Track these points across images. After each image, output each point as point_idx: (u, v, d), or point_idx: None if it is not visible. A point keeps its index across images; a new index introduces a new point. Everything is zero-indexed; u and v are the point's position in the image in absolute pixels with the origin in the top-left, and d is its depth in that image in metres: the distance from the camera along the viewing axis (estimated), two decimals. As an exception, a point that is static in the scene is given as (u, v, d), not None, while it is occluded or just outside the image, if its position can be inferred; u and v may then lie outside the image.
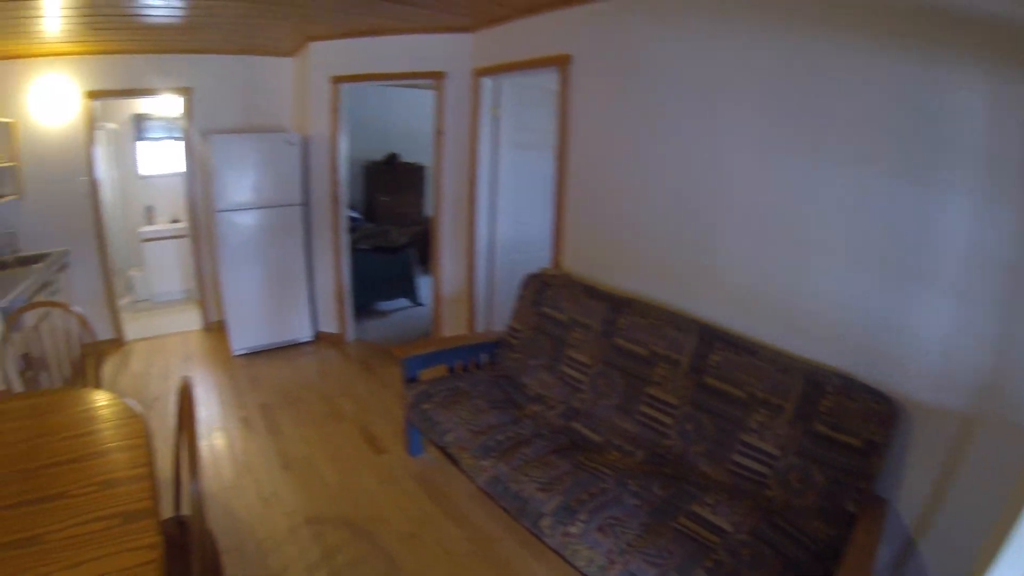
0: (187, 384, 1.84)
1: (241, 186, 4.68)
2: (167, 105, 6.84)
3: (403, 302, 6.37)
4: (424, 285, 6.14)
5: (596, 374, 2.71)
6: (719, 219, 2.61)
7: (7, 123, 4.68)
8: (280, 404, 4.16)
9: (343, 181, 4.90)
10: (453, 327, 4.82)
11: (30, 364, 3.11)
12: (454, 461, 2.80)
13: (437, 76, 4.41)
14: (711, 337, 2.44)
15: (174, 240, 6.69)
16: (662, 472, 2.31)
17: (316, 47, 4.68)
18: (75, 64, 4.82)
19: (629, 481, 2.20)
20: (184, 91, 5.15)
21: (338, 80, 4.65)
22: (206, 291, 5.64)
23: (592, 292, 2.98)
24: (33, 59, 4.70)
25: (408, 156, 8.13)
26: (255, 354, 5.09)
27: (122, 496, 1.69)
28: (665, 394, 2.45)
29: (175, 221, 6.97)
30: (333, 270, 5.07)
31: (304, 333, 5.26)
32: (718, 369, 2.33)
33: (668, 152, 2.84)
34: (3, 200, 4.58)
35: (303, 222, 4.99)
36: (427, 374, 3.25)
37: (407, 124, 8.09)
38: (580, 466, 2.32)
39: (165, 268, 6.79)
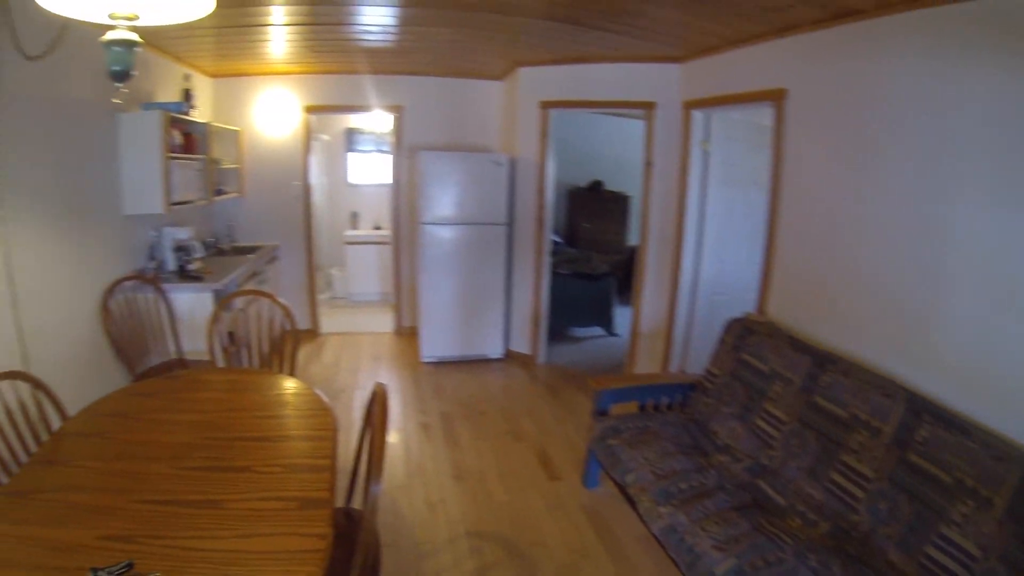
0: (383, 391, 2.01)
1: (446, 201, 5.44)
2: (376, 121, 7.99)
3: (597, 330, 6.83)
4: (620, 315, 6.57)
5: (790, 432, 2.86)
6: (943, 278, 2.58)
7: (235, 131, 5.95)
8: (461, 415, 4.74)
9: (549, 205, 5.48)
10: (647, 363, 5.19)
11: (234, 341, 3.80)
12: (630, 501, 2.97)
13: (647, 106, 4.83)
14: (920, 408, 2.43)
15: (375, 246, 7.78)
16: (845, 551, 2.34)
17: (525, 72, 5.32)
18: (296, 82, 6.03)
19: (809, 555, 2.25)
20: (395, 108, 6.13)
21: (547, 105, 5.23)
22: (401, 297, 6.52)
23: (796, 344, 3.13)
24: (259, 76, 5.98)
25: (613, 184, 8.70)
26: (443, 364, 5.81)
27: (303, 482, 1.92)
28: (861, 464, 2.50)
29: (377, 228, 8.09)
30: (531, 291, 5.67)
31: (495, 350, 5.92)
32: (924, 446, 2.32)
33: (889, 199, 2.87)
34: (227, 196, 5.82)
35: (505, 241, 5.65)
36: (617, 409, 3.58)
37: (613, 152, 8.67)
38: (760, 528, 2.42)
39: (364, 270, 7.91)
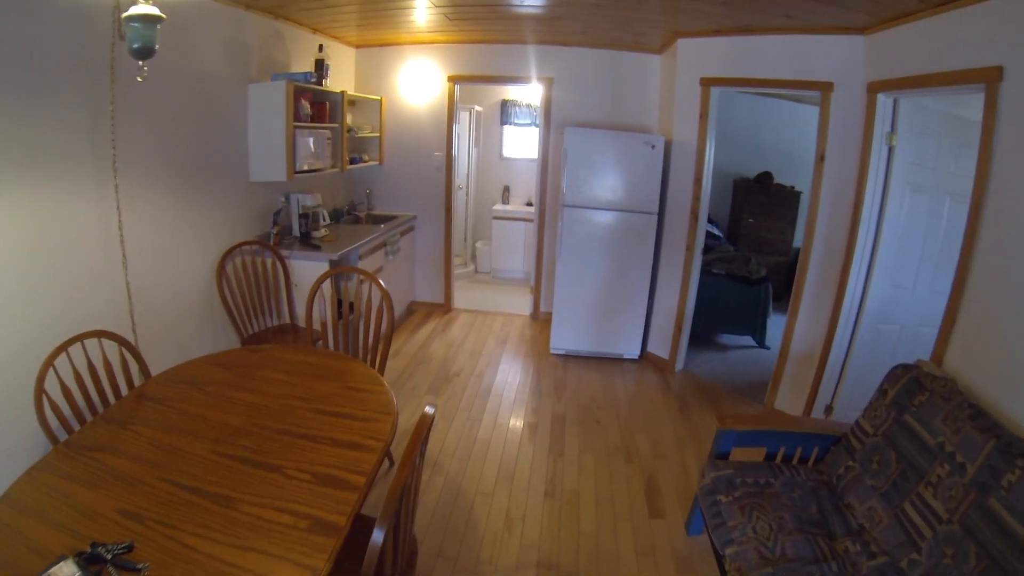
0: (427, 420, 1.83)
1: (592, 183, 4.97)
2: (532, 93, 7.59)
3: (747, 339, 6.10)
4: (774, 325, 5.78)
5: (946, 536, 2.12)
6: None
7: (376, 100, 5.86)
8: (575, 420, 4.35)
9: (705, 196, 4.82)
10: (790, 393, 4.47)
11: (342, 314, 3.75)
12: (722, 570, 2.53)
13: (823, 88, 4.04)
14: None
15: (523, 222, 7.44)
16: None
17: (685, 45, 4.67)
18: (440, 51, 5.81)
19: None
20: (544, 80, 5.68)
21: (708, 82, 4.56)
22: (541, 280, 6.19)
23: (980, 417, 2.32)
24: (402, 46, 5.85)
25: (783, 177, 7.73)
26: (572, 357, 5.42)
27: (325, 498, 1.81)
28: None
29: (528, 204, 7.77)
30: (678, 291, 5.08)
31: (630, 350, 5.43)
32: None
33: None
34: (366, 164, 5.84)
35: (655, 232, 5.07)
36: (741, 453, 2.99)
37: (786, 141, 7.74)
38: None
39: (510, 247, 7.64)
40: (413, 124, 6.01)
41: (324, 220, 4.96)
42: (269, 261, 4.33)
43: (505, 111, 7.94)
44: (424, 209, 6.20)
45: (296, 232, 4.76)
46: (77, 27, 2.78)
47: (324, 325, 3.63)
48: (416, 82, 5.88)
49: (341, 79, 5.64)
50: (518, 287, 7.44)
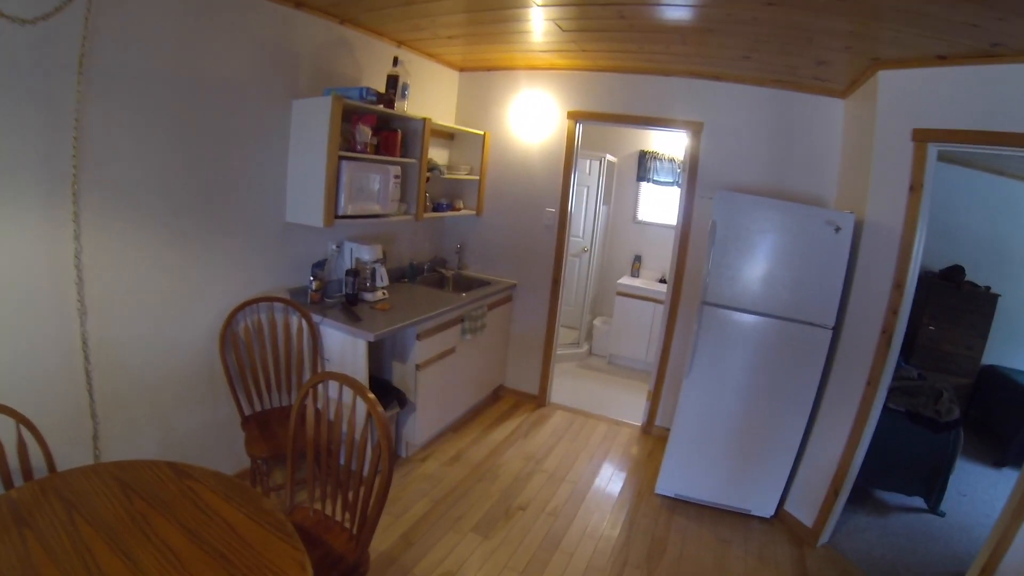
0: None
1: (745, 274, 3.58)
2: (677, 145, 6.31)
3: (915, 500, 4.41)
4: (964, 481, 4.11)
5: None
6: None
7: (479, 135, 4.80)
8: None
9: (906, 307, 3.29)
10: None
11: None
12: None
13: None
14: None
15: (654, 304, 6.10)
16: None
17: (889, 79, 3.24)
18: (559, 80, 4.68)
19: None
20: (691, 126, 4.34)
21: (925, 137, 3.09)
22: (663, 385, 4.81)
23: None
24: (514, 71, 4.77)
25: (976, 274, 5.90)
26: (683, 503, 4.01)
27: None
28: None
29: (663, 280, 6.40)
30: (845, 440, 3.51)
31: (762, 506, 3.90)
32: None
33: None
34: (458, 213, 4.77)
35: (825, 353, 3.54)
36: None
37: (987, 226, 5.94)
38: None
39: (634, 330, 6.32)
40: (522, 169, 4.88)
41: (382, 280, 3.92)
42: (296, 323, 3.42)
43: (643, 164, 6.64)
44: (528, 276, 5.02)
45: (345, 290, 3.75)
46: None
47: (317, 443, 2.39)
48: (529, 117, 4.77)
49: (435, 106, 4.68)
50: (636, 382, 6.06)
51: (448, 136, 4.88)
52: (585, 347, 6.65)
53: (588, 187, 6.27)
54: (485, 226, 5.08)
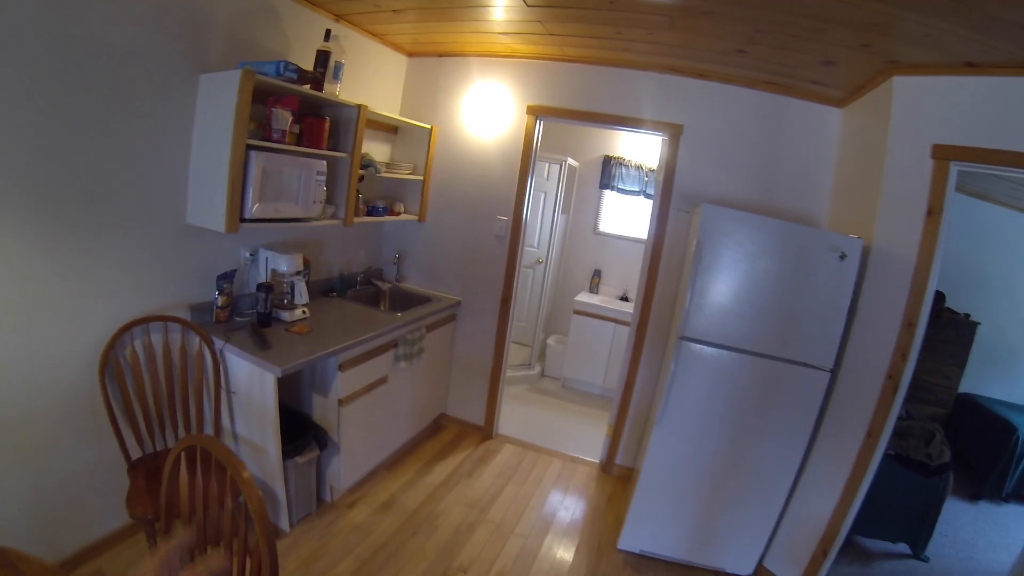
0: None
1: (733, 305, 3.05)
2: (644, 151, 5.83)
3: (901, 546, 4.04)
4: (942, 520, 3.89)
5: None
6: None
7: (424, 128, 4.26)
8: None
9: (915, 349, 2.82)
10: None
11: None
12: None
13: None
14: None
15: (614, 324, 5.59)
16: None
17: (907, 88, 2.81)
18: (518, 69, 4.13)
19: None
20: (670, 129, 3.83)
21: (946, 155, 2.65)
22: (627, 418, 4.29)
23: None
24: (467, 58, 4.22)
25: (954, 301, 5.70)
26: (650, 561, 3.49)
27: None
28: None
29: (624, 298, 5.93)
30: (839, 494, 3.03)
31: (739, 563, 3.40)
32: None
33: None
34: (398, 218, 4.24)
35: (820, 398, 3.03)
36: None
37: (968, 252, 5.67)
38: None
39: (591, 352, 5.80)
40: (473, 170, 4.30)
41: (302, 297, 3.30)
42: (197, 347, 2.82)
43: (607, 171, 6.12)
44: (475, 292, 4.44)
45: (259, 307, 3.13)
46: None
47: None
48: (483, 111, 4.20)
49: (377, 94, 4.08)
50: (594, 410, 5.54)
51: (391, 129, 4.28)
52: (537, 368, 6.11)
53: (546, 193, 5.72)
54: (428, 234, 4.48)
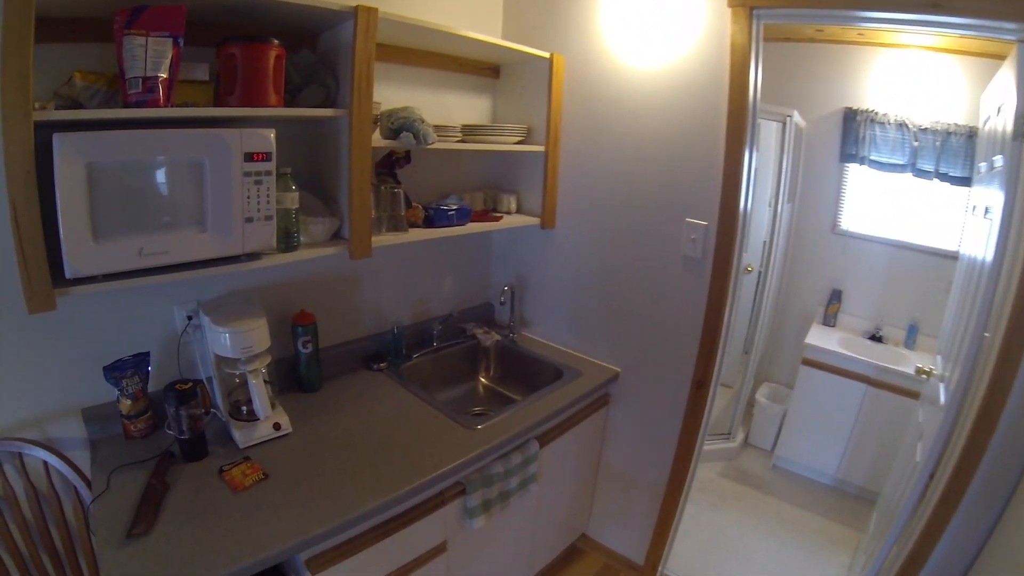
0: None
1: None
2: (913, 97, 3.62)
3: None
4: None
5: None
6: None
7: (540, 59, 2.46)
8: None
9: None
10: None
11: None
12: None
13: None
14: None
15: (864, 386, 3.56)
16: None
17: None
18: None
19: None
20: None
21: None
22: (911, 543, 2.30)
23: None
24: None
25: None
26: None
27: None
28: None
29: (876, 338, 3.86)
30: None
31: None
32: None
33: None
34: (502, 223, 2.58)
35: None
36: None
37: None
38: None
39: (826, 420, 3.80)
40: (631, 131, 2.41)
41: (261, 408, 1.74)
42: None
43: (851, 133, 3.87)
44: (642, 357, 2.58)
45: (177, 431, 1.64)
46: None
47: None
48: (644, 17, 2.29)
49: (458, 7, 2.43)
50: (825, 517, 3.52)
51: (487, 70, 2.61)
52: (737, 439, 4.16)
53: (757, 170, 3.73)
54: (559, 248, 2.73)
